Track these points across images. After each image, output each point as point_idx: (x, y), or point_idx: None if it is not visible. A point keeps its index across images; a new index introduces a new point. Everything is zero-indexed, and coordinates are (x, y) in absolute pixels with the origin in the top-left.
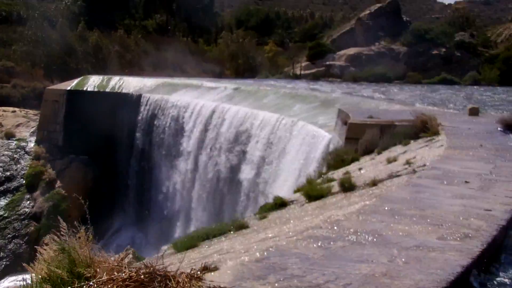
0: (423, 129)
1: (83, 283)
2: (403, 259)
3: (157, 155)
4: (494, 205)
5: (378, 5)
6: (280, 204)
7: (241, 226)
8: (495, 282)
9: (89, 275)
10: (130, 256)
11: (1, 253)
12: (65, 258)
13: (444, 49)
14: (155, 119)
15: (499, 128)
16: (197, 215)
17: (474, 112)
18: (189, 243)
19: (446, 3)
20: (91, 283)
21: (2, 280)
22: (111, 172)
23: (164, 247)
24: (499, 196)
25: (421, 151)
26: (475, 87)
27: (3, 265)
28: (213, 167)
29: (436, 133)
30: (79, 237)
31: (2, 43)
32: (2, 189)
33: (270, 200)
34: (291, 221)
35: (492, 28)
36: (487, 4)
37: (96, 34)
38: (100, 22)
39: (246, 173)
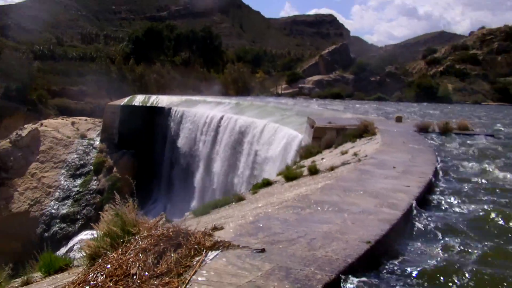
0: (365, 131)
1: (131, 237)
2: (351, 221)
3: (182, 148)
4: (411, 183)
5: (334, 46)
6: (267, 183)
7: (240, 199)
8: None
9: (134, 232)
10: (163, 219)
11: (78, 216)
12: (119, 220)
13: (378, 77)
14: (181, 124)
15: (415, 130)
16: (209, 191)
17: (399, 119)
18: (203, 211)
19: (379, 46)
20: (136, 237)
21: (79, 235)
22: (151, 161)
23: (186, 214)
24: (415, 176)
25: (364, 146)
26: (399, 102)
27: (79, 224)
28: (221, 157)
29: (374, 133)
30: (128, 206)
31: (79, 74)
32: (78, 172)
33: (260, 181)
34: (275, 195)
35: (409, 64)
36: (406, 47)
37: (141, 67)
38: (144, 58)
39: (243, 161)
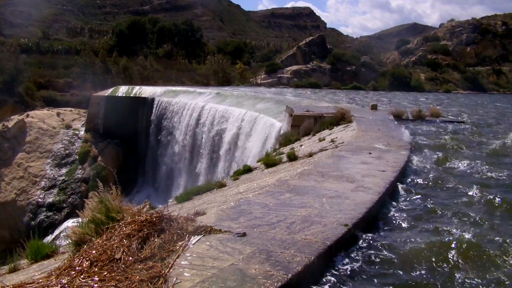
0: (342, 118)
1: (115, 224)
2: (329, 205)
3: (165, 138)
4: (386, 168)
5: (311, 37)
6: (248, 170)
7: (221, 185)
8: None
9: (119, 218)
10: (147, 206)
11: (64, 204)
12: (103, 207)
13: (354, 67)
14: (164, 114)
15: (389, 118)
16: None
17: (374, 107)
18: (186, 197)
19: (354, 37)
20: (120, 223)
21: (65, 223)
22: (135, 150)
23: (170, 200)
24: (390, 161)
25: (340, 133)
26: (374, 91)
27: (65, 212)
28: (202, 145)
29: (350, 121)
30: (112, 193)
31: (65, 67)
32: (64, 162)
33: (241, 167)
34: (255, 181)
35: (383, 54)
36: (380, 38)
37: (124, 59)
38: (128, 51)
39: (225, 148)
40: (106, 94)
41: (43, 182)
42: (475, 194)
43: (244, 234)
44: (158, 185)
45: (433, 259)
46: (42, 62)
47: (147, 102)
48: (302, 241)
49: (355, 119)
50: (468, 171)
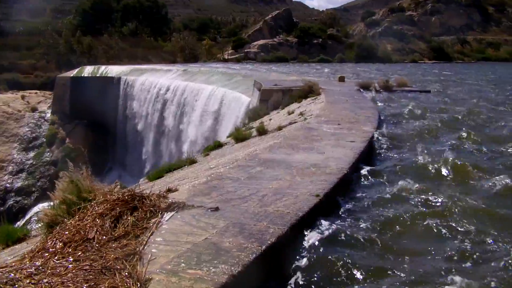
0: (310, 91)
1: (87, 204)
2: (300, 176)
3: (133, 117)
4: (356, 138)
5: (277, 11)
6: (218, 145)
7: (192, 161)
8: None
9: (91, 198)
10: (118, 186)
11: (33, 188)
12: (74, 187)
13: (320, 40)
14: (131, 93)
15: (357, 89)
16: (163, 157)
17: (341, 79)
18: (157, 175)
19: (320, 10)
20: (92, 203)
21: (35, 207)
22: (104, 131)
23: (141, 179)
24: (359, 132)
25: (309, 106)
26: (342, 63)
27: (35, 196)
28: (170, 123)
29: (318, 94)
30: (82, 173)
31: (28, 48)
32: (31, 145)
33: (211, 143)
34: (226, 156)
35: (349, 26)
36: (346, 11)
37: (89, 38)
38: (92, 30)
39: (193, 125)
40: (72, 75)
41: (10, 167)
42: (431, 152)
43: (217, 209)
44: (128, 165)
45: (400, 228)
46: (4, 44)
47: (114, 82)
48: (275, 213)
49: (323, 92)
50: (429, 134)
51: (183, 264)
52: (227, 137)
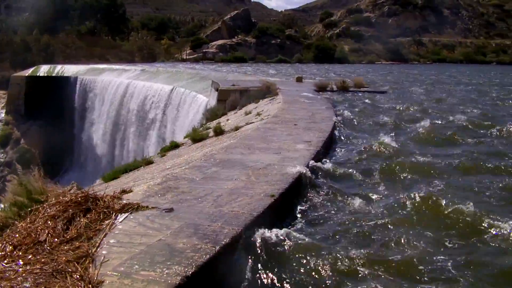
0: (267, 92)
1: (39, 206)
2: (255, 176)
3: (90, 117)
4: (312, 138)
5: (236, 12)
6: (175, 145)
7: (149, 162)
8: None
9: (43, 200)
10: (75, 187)
11: None
12: (24, 189)
13: (279, 40)
14: (88, 93)
15: (314, 89)
16: (121, 158)
17: (299, 79)
18: (113, 176)
19: (279, 11)
20: (44, 205)
21: None
22: (60, 131)
23: (97, 180)
24: (315, 132)
25: (266, 106)
26: (299, 64)
27: None
28: (128, 123)
29: (276, 94)
30: (34, 175)
31: None
32: None
33: (168, 144)
34: (182, 157)
35: (308, 27)
36: (304, 12)
37: (46, 37)
38: (49, 28)
39: (151, 126)
40: (27, 74)
41: None
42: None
43: (171, 210)
44: (85, 165)
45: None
46: None
47: (70, 82)
48: (230, 213)
49: (281, 92)
50: (382, 133)
51: (136, 266)
52: (184, 137)
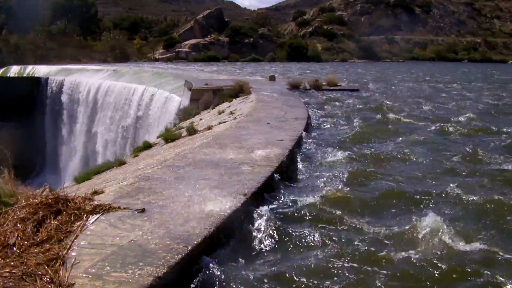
0: (240, 90)
1: (8, 208)
2: (228, 175)
3: (61, 119)
4: (284, 137)
5: (209, 11)
6: (147, 146)
7: (121, 163)
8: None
9: (12, 202)
10: (47, 190)
11: None
12: None
13: (252, 39)
14: (59, 94)
15: (287, 88)
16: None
17: (272, 78)
18: (85, 177)
19: (252, 10)
20: (14, 207)
21: None
22: (33, 133)
23: (68, 182)
24: (288, 131)
25: (239, 105)
26: (273, 63)
27: None
28: (100, 124)
29: (249, 93)
30: (4, 177)
31: None
32: None
33: (141, 144)
34: (155, 157)
35: (281, 26)
36: (277, 10)
37: (15, 37)
38: (19, 28)
39: (124, 126)
40: None
41: None
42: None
43: (143, 210)
44: (58, 167)
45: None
46: None
47: (41, 82)
48: (201, 213)
49: (254, 91)
50: (351, 129)
51: (107, 267)
52: (157, 137)
